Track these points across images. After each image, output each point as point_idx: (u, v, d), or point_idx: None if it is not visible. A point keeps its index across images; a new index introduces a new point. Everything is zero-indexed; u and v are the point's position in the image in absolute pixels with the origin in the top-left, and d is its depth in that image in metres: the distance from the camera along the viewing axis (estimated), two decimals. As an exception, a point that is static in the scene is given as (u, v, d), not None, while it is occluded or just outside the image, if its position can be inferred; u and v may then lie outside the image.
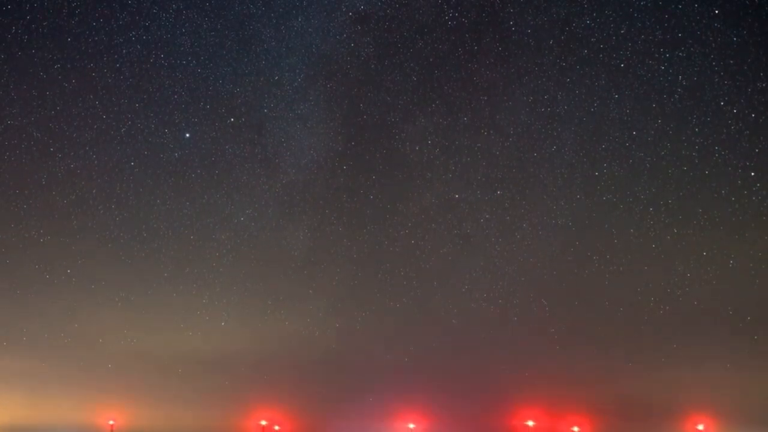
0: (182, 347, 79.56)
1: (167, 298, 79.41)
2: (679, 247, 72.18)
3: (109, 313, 78.43)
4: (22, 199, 75.07)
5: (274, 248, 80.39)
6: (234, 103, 77.68)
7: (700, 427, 69.34)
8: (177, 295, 79.26)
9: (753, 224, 70.21)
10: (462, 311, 78.43)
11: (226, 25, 75.74)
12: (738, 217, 70.16)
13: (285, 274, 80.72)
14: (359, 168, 78.91)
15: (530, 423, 73.06)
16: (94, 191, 76.37)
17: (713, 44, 67.94)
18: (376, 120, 78.66)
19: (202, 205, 78.72)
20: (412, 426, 75.13)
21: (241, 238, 78.73)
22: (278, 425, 77.23)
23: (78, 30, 73.37)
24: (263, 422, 76.70)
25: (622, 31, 70.10)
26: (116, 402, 76.37)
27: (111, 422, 75.54)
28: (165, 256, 78.34)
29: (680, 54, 68.89)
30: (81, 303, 77.87)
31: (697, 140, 69.95)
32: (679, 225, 72.00)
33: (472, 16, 74.18)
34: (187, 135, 77.71)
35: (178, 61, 75.97)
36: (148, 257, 78.09)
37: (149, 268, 78.44)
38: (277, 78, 77.29)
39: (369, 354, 78.99)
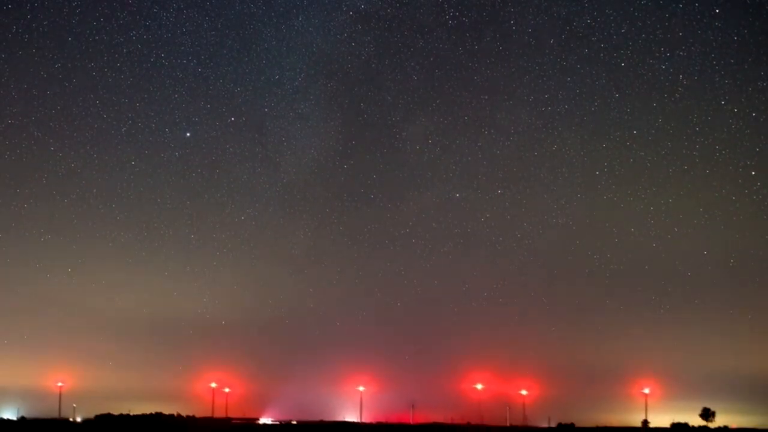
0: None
1: (167, 296, 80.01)
2: (679, 247, 72.35)
3: (108, 311, 78.77)
4: (22, 199, 75.54)
5: (275, 247, 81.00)
6: (234, 103, 78.19)
7: (646, 390, 70.19)
8: (177, 293, 79.75)
9: (753, 224, 70.52)
10: (461, 308, 78.98)
11: (226, 24, 76.12)
12: (738, 217, 70.47)
13: (285, 272, 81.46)
14: (359, 168, 79.24)
15: (479, 386, 73.51)
16: (94, 191, 76.86)
17: (714, 44, 68.19)
18: (376, 119, 79.04)
19: (202, 205, 79.38)
20: (361, 389, 75.42)
21: (241, 237, 79.26)
22: (228, 387, 77.56)
23: (78, 30, 73.79)
24: (213, 384, 77.01)
25: (622, 31, 70.26)
26: (65, 364, 75.97)
27: (60, 384, 75.69)
28: (165, 256, 78.86)
29: (681, 53, 69.04)
30: (80, 299, 78.47)
31: (698, 139, 70.21)
32: (679, 225, 72.26)
33: (473, 16, 74.50)
34: (188, 134, 78.10)
35: (179, 61, 76.41)
36: (148, 257, 78.59)
37: (149, 266, 78.92)
38: (277, 77, 77.66)
39: (321, 320, 79.16)
